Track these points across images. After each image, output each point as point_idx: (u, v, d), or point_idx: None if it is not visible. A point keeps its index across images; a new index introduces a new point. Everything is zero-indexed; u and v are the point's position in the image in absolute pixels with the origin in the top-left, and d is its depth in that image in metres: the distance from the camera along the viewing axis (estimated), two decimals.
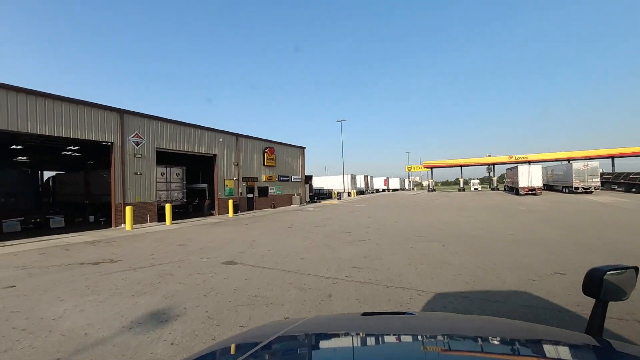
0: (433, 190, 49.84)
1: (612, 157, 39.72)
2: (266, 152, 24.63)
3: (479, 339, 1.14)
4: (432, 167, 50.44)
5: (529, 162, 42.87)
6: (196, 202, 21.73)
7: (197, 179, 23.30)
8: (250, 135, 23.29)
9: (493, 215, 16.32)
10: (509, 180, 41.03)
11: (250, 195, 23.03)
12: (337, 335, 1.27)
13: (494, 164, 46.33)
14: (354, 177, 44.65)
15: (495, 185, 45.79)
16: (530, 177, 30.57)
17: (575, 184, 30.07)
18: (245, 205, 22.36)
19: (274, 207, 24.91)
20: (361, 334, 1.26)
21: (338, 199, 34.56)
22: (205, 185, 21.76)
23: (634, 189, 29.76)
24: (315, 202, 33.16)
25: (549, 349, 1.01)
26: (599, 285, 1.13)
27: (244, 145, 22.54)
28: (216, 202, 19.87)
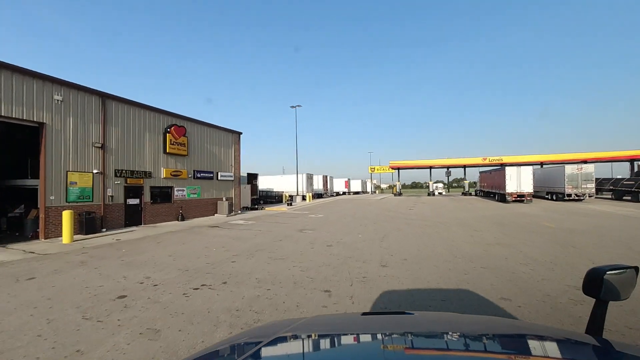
0: (400, 194, 44.23)
1: (584, 162, 37.17)
2: (170, 133, 15.59)
3: (479, 339, 1.14)
4: (399, 168, 44.85)
5: (502, 165, 39.09)
6: (19, 213, 12.01)
7: (25, 170, 13.40)
8: (137, 101, 14.10)
9: (534, 240, 9.61)
10: (484, 184, 36.62)
11: (134, 201, 13.86)
12: (337, 335, 1.25)
13: (464, 166, 42.06)
14: (310, 177, 36.89)
15: (467, 189, 41.52)
16: (520, 181, 25.57)
17: (567, 190, 25.73)
18: (121, 217, 13.15)
19: (183, 219, 15.98)
20: (361, 333, 1.25)
21: (288, 204, 26.52)
22: (37, 183, 12.08)
23: (627, 197, 26.28)
24: (258, 208, 24.68)
25: (549, 349, 1.00)
26: (599, 285, 1.10)
27: (120, 115, 13.30)
28: (42, 214, 10.45)
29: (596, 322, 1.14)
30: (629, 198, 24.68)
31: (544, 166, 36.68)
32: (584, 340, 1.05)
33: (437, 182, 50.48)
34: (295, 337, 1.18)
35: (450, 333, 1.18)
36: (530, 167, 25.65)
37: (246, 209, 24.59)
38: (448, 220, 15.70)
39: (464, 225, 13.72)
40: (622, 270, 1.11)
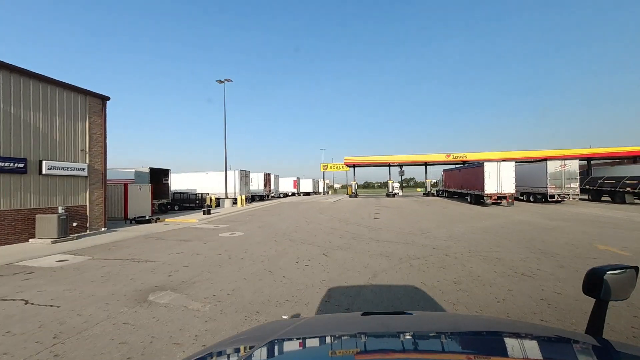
0: (356, 195, 38.45)
1: (544, 160, 35.20)
2: None
3: (479, 339, 1.13)
4: (354, 165, 39.08)
5: (465, 162, 35.56)
6: None
7: None
8: None
9: None
10: (449, 183, 32.44)
11: None
12: (337, 335, 1.22)
13: (426, 163, 37.83)
14: (245, 175, 28.74)
15: (429, 189, 37.27)
16: (500, 179, 21.05)
17: (550, 190, 21.90)
18: None
19: None
20: (361, 333, 1.22)
21: (205, 212, 18.38)
22: None
23: (607, 197, 23.44)
24: (153, 220, 16.19)
25: (549, 349, 1.01)
26: (599, 285, 1.08)
27: None
28: None
29: (596, 322, 1.12)
30: (618, 199, 21.60)
31: (518, 163, 33.72)
32: (584, 340, 1.03)
33: (393, 182, 45.99)
34: (296, 337, 1.16)
35: (450, 333, 1.17)
36: (513, 163, 21.29)
37: (133, 222, 15.92)
38: (444, 240, 9.43)
39: (483, 255, 7.48)
40: (622, 270, 1.09)
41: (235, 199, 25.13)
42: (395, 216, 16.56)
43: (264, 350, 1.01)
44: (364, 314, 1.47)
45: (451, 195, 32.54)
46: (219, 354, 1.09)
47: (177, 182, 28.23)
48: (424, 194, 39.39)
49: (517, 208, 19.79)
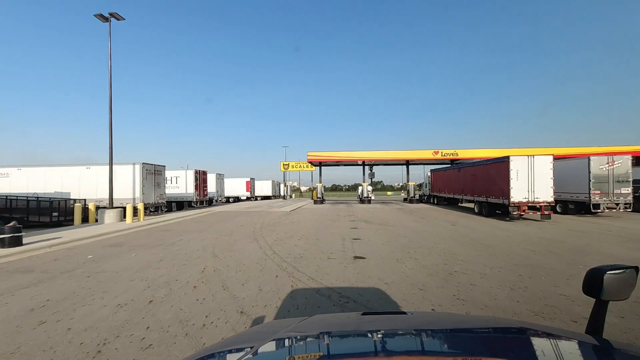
0: (322, 200, 30.42)
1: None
2: None
3: (479, 338, 1.11)
4: (320, 163, 31.10)
5: (453, 161, 29.15)
6: None
7: None
8: None
9: None
10: (439, 186, 25.57)
11: None
12: (337, 335, 1.19)
13: (407, 162, 30.94)
14: (155, 173, 18.81)
15: (412, 194, 30.34)
16: (533, 181, 14.22)
17: (594, 198, 15.54)
18: None
19: None
20: (362, 333, 1.20)
21: (9, 241, 8.94)
22: None
23: None
24: None
25: (548, 348, 1.00)
26: (599, 285, 1.06)
27: None
28: None
29: (596, 322, 1.11)
30: None
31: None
32: (584, 340, 1.02)
33: (367, 184, 38.80)
34: (296, 337, 1.15)
35: (451, 333, 1.15)
36: (550, 157, 14.56)
37: None
38: None
39: None
40: (622, 270, 1.07)
41: (124, 209, 15.59)
42: (389, 246, 8.61)
43: (264, 349, 1.01)
44: (364, 313, 1.44)
45: (440, 202, 25.81)
46: (219, 353, 1.08)
47: (35, 181, 17.97)
48: (405, 199, 32.48)
49: (565, 225, 12.96)
